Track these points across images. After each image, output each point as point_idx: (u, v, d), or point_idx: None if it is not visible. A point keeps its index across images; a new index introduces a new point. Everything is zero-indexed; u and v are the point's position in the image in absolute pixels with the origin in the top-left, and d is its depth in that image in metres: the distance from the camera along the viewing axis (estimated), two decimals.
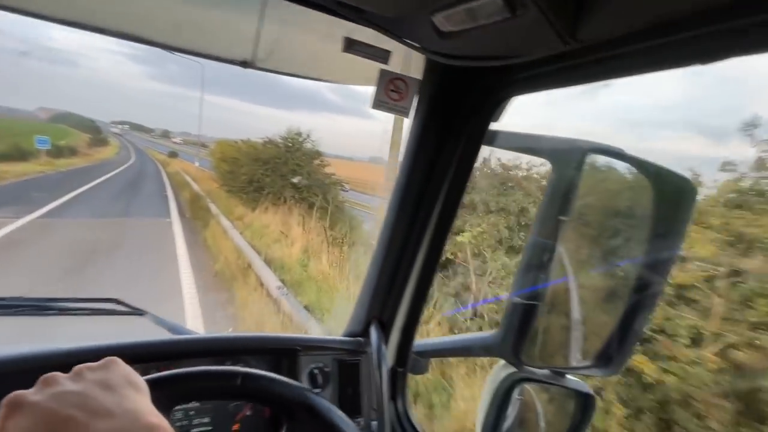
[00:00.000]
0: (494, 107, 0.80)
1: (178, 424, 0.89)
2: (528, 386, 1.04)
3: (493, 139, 0.88)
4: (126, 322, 1.17)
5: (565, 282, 0.88)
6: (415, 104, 0.90)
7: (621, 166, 0.81)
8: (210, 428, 0.92)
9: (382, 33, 0.76)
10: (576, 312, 0.91)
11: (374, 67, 0.94)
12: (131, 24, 0.90)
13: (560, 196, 0.80)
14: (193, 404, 0.92)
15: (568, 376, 0.99)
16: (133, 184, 15.84)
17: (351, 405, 1.00)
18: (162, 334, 1.10)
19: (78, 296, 1.16)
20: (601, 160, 0.81)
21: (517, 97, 0.78)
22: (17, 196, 10.14)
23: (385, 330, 1.06)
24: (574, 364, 0.99)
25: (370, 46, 0.83)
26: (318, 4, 0.71)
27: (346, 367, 1.03)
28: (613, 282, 0.93)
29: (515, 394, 1.05)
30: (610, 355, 0.92)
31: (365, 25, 0.71)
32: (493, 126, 0.85)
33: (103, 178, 15.33)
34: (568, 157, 0.80)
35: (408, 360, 1.09)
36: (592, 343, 0.95)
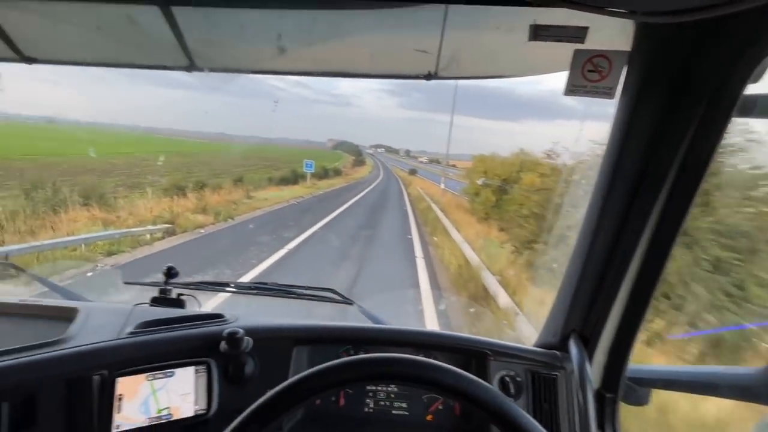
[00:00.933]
0: (750, 66, 0.59)
1: (382, 404, 1.02)
2: None
3: (751, 107, 0.65)
4: (338, 309, 1.41)
5: None
6: (622, 82, 0.76)
7: None
8: (407, 413, 1.01)
9: (579, 9, 0.67)
10: None
11: (563, 50, 0.84)
12: (337, 64, 1.09)
13: None
14: (392, 389, 1.03)
15: None
16: (374, 214, 13.49)
17: (548, 425, 0.91)
18: (365, 323, 1.27)
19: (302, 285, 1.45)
20: None
21: None
22: (241, 243, 7.98)
23: (587, 346, 0.92)
24: None
25: (562, 28, 0.75)
26: None
27: (541, 381, 0.95)
28: None
29: None
30: None
31: (559, 6, 0.64)
32: (750, 89, 0.63)
33: (345, 206, 13.92)
34: None
35: (619, 385, 0.92)
36: None
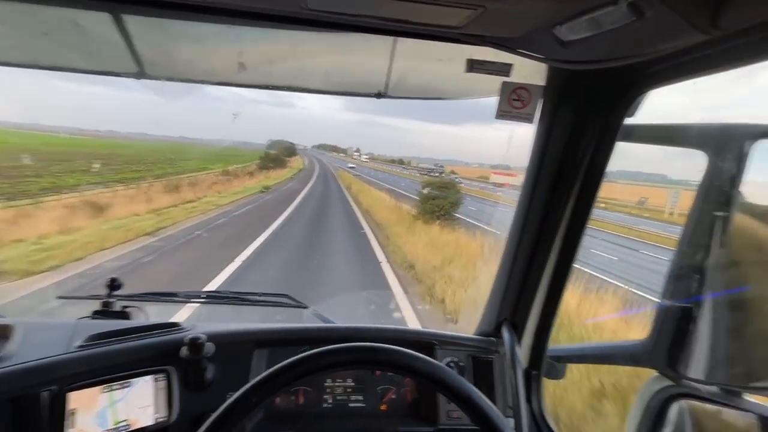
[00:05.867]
0: (627, 103, 0.78)
1: (339, 398, 1.09)
2: (689, 404, 0.93)
3: (630, 133, 0.84)
4: (292, 313, 1.45)
5: (735, 284, 0.78)
6: (539, 109, 0.92)
7: None
8: (363, 405, 1.09)
9: (505, 51, 0.82)
10: (759, 318, 0.79)
11: (495, 79, 1.00)
12: (294, 80, 1.15)
13: (718, 190, 0.72)
14: (350, 383, 1.10)
15: (748, 397, 0.85)
16: None
17: None
18: (319, 324, 1.33)
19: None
20: None
21: (652, 90, 0.74)
22: None
23: (517, 331, 1.08)
24: (758, 382, 0.85)
25: (493, 63, 0.89)
26: (444, 37, 0.81)
27: (480, 364, 1.08)
28: None
29: (672, 412, 0.95)
30: None
31: (488, 46, 0.78)
32: (629, 121, 0.82)
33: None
34: (726, 146, 0.72)
35: (542, 363, 1.09)
36: None
